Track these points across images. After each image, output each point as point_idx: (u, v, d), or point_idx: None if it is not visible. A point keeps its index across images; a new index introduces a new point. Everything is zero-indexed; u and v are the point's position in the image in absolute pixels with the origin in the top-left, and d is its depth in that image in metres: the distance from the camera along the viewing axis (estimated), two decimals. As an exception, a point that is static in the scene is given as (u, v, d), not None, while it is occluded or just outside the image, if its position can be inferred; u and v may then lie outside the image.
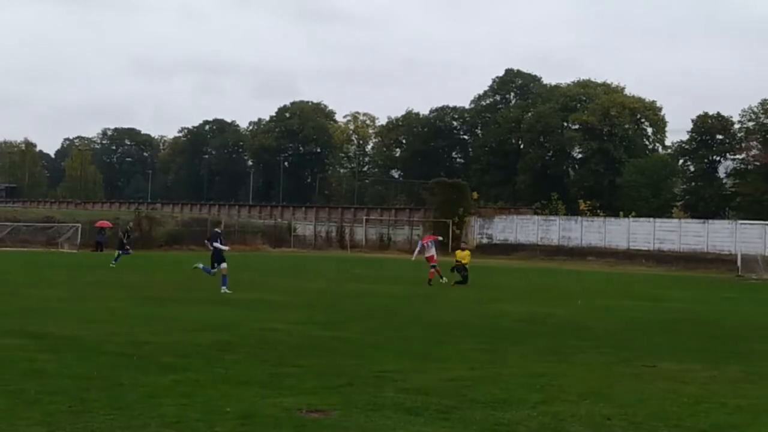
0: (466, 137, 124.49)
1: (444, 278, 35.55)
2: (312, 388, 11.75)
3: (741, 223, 61.84)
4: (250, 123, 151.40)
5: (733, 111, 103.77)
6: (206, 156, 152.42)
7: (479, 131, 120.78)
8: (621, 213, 77.88)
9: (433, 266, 35.80)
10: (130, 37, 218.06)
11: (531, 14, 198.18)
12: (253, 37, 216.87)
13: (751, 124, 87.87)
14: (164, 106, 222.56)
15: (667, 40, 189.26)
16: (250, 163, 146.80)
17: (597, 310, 25.90)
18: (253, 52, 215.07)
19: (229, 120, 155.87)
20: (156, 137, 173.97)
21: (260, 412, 10.24)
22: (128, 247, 44.81)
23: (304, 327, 19.06)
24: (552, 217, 75.65)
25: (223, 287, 27.64)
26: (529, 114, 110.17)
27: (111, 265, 40.78)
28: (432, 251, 36.80)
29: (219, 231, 31.82)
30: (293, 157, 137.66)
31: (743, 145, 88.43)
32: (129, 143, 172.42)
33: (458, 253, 36.93)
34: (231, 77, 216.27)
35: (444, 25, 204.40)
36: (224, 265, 28.38)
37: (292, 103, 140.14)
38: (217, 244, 29.13)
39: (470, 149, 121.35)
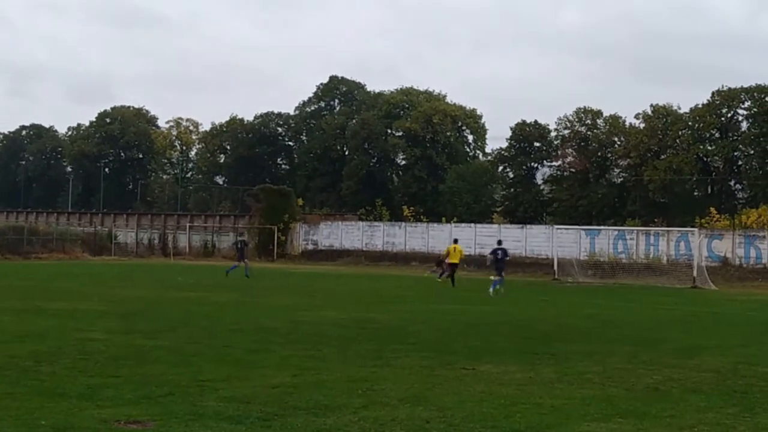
0: (291, 144, 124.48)
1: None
2: (131, 399, 11.55)
3: (557, 228, 63.63)
4: (68, 128, 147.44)
5: (549, 119, 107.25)
6: (23, 162, 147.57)
7: (304, 138, 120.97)
8: (443, 219, 79.28)
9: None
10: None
11: (348, 22, 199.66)
12: (68, 42, 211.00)
13: (566, 132, 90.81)
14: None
15: (482, 49, 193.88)
16: (69, 169, 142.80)
17: (419, 314, 26.24)
18: (69, 56, 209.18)
19: (47, 125, 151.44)
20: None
21: (77, 424, 10.01)
22: None
23: (124, 336, 18.67)
24: (376, 223, 76.32)
25: (491, 289, 36.57)
26: (354, 121, 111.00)
27: None
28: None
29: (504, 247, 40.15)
30: (114, 163, 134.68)
31: (559, 152, 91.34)
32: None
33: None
34: (46, 82, 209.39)
35: (264, 32, 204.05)
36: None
37: (113, 108, 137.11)
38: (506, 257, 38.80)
39: (295, 156, 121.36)
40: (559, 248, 57.67)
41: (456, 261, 43.17)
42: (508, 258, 39.49)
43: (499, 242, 41.46)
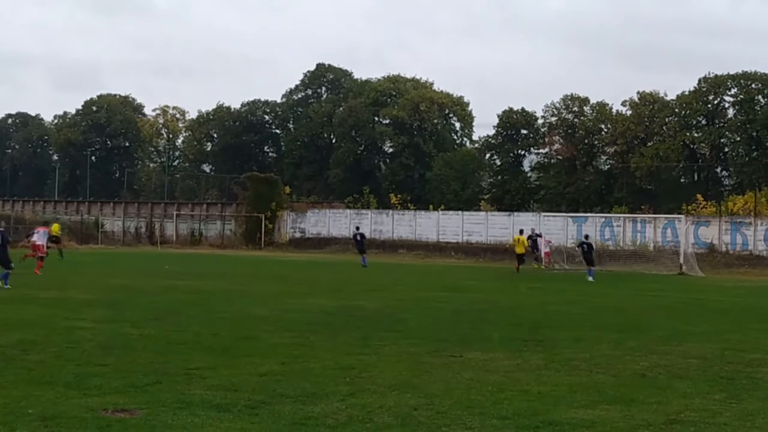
0: (278, 131, 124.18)
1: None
2: (119, 387, 11.54)
3: (544, 215, 63.75)
4: (55, 116, 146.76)
5: (536, 106, 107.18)
6: (9, 150, 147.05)
7: (291, 126, 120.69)
8: (431, 206, 79.26)
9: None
10: None
11: (335, 9, 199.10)
12: (54, 30, 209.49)
13: (553, 119, 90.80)
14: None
15: (468, 36, 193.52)
16: (55, 157, 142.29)
17: (407, 302, 26.26)
18: (55, 44, 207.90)
19: (32, 113, 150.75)
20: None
21: (64, 412, 10.00)
22: None
23: (111, 325, 18.64)
24: (364, 211, 76.23)
25: (590, 277, 40.30)
26: (341, 108, 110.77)
27: None
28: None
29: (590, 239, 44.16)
30: (100, 151, 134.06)
31: (546, 139, 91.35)
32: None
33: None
34: (32, 70, 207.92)
35: (251, 19, 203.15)
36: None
37: (99, 96, 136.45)
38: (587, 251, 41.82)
39: (282, 143, 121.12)
40: (546, 235, 57.64)
41: (520, 251, 47.34)
42: (593, 250, 42.42)
43: (586, 236, 44.74)
